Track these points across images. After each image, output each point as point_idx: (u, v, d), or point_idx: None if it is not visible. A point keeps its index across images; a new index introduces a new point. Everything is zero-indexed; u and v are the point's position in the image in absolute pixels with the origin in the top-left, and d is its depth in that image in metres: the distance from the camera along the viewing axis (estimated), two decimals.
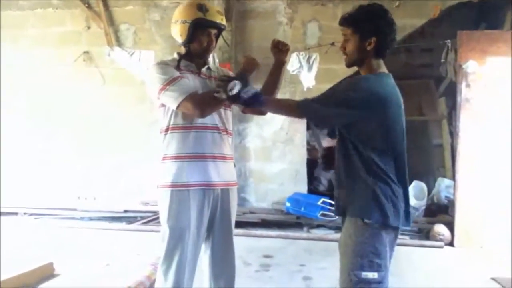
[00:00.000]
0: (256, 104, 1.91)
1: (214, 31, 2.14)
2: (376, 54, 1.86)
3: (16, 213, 5.38)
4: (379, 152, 1.79)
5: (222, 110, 2.18)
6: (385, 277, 1.80)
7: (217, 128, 2.15)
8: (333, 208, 5.60)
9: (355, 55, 1.87)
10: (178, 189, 2.08)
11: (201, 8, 2.08)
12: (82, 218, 5.30)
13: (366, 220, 1.78)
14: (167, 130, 2.13)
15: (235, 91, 1.84)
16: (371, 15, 1.85)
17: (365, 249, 1.78)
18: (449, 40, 4.56)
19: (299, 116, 1.93)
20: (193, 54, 2.16)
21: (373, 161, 1.78)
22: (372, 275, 1.76)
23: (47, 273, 2.88)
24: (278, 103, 2.07)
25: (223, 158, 2.18)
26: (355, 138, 1.81)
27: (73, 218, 5.28)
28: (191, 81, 2.10)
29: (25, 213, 5.39)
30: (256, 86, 2.39)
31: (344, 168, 1.88)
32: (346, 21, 1.88)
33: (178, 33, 2.12)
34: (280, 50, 2.20)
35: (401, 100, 1.86)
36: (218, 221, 2.20)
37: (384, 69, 1.90)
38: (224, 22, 2.15)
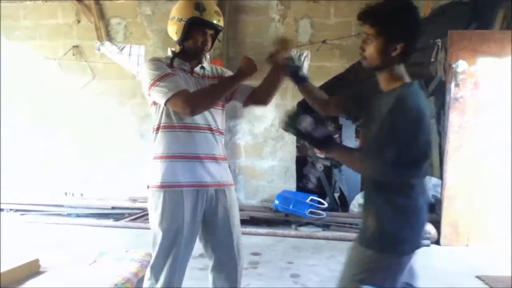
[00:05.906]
0: (324, 147, 1.63)
1: (210, 32, 2.09)
2: (400, 59, 1.57)
3: (2, 209, 5.31)
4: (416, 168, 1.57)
5: (213, 109, 2.12)
6: None
7: (210, 128, 2.10)
8: (321, 205, 5.48)
9: (377, 61, 1.56)
10: (172, 190, 2.02)
11: (199, 7, 2.02)
12: (69, 215, 5.24)
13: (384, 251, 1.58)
14: (158, 128, 2.08)
15: (306, 127, 1.61)
16: (401, 14, 1.49)
17: (376, 276, 1.58)
18: (439, 40, 4.57)
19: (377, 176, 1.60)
20: (187, 53, 2.11)
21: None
22: None
23: (33, 270, 2.83)
24: (348, 157, 1.66)
25: (214, 158, 2.12)
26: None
27: (60, 214, 5.23)
28: (182, 80, 2.04)
29: (11, 209, 5.31)
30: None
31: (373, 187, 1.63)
32: (369, 17, 1.51)
33: (173, 30, 2.07)
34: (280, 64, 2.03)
35: None
36: (219, 223, 2.13)
37: (407, 75, 1.61)
38: (221, 23, 2.09)
